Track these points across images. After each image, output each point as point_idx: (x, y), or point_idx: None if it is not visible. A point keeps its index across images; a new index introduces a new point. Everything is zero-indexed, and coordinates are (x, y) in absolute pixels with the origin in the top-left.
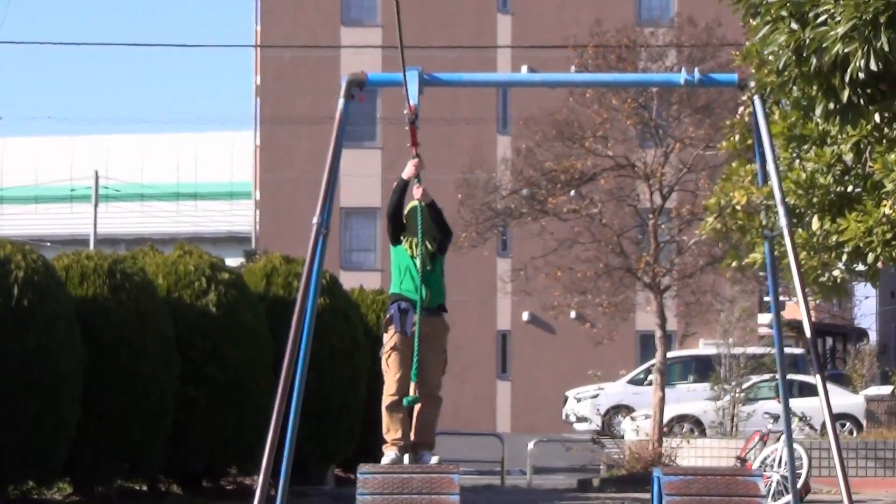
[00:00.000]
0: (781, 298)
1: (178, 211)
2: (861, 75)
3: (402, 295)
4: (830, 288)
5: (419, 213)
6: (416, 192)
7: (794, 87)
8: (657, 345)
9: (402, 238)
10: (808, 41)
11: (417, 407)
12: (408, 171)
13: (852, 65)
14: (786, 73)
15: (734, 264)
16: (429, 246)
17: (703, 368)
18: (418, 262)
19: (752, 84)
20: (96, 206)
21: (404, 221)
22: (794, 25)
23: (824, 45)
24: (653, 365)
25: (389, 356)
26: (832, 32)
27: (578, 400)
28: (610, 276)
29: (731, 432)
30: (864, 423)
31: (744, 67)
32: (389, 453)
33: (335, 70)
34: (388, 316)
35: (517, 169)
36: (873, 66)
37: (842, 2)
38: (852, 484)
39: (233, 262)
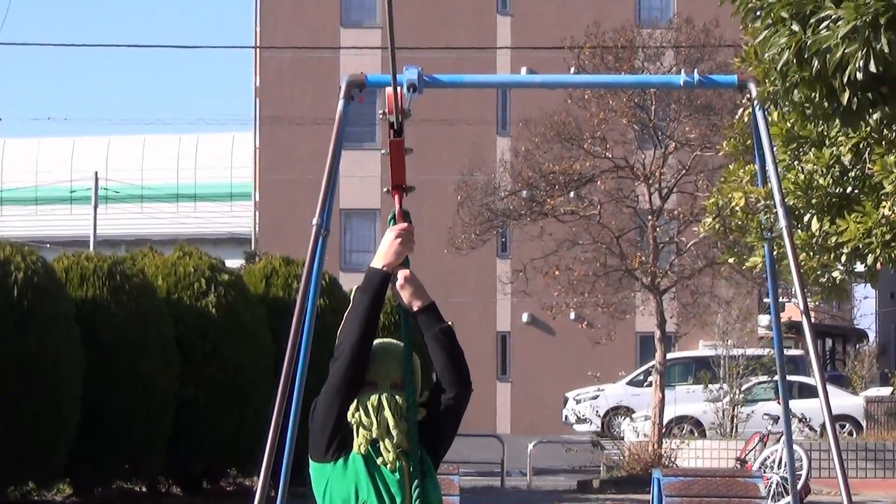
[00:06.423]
0: (781, 300)
1: (178, 212)
2: (860, 76)
3: None
4: (830, 289)
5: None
6: (404, 292)
7: (796, 93)
8: (656, 346)
9: (356, 419)
10: (808, 43)
11: None
12: (389, 255)
13: (851, 66)
14: (787, 79)
15: (731, 260)
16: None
17: (702, 370)
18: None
19: (753, 87)
20: (96, 207)
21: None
22: (795, 27)
23: (825, 47)
24: (652, 366)
25: None
26: (832, 35)
27: (578, 401)
28: (608, 277)
29: (731, 433)
30: (863, 424)
31: (743, 69)
32: None
33: (335, 71)
34: None
35: (516, 170)
36: (872, 68)
37: (842, 4)
38: (852, 485)
39: (232, 263)
